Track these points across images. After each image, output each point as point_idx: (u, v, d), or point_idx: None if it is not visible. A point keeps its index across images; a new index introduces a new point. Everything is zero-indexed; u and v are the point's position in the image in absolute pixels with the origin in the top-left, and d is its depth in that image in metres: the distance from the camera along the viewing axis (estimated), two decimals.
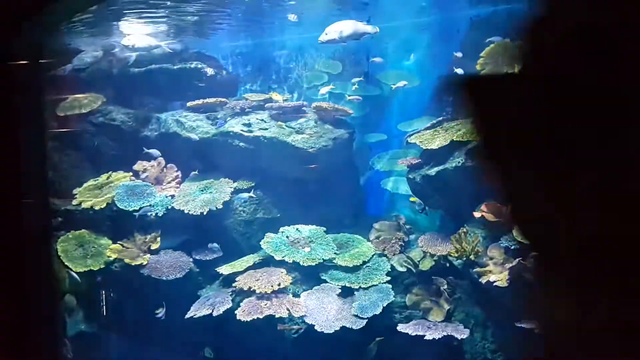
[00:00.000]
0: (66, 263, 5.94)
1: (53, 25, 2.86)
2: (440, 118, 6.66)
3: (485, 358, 5.31)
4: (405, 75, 8.21)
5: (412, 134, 6.59)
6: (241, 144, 6.73)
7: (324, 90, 7.61)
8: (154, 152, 6.88)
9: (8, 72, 2.35)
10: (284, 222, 6.59)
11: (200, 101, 7.29)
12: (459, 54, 6.85)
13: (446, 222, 6.55)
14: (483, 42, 6.42)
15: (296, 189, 6.83)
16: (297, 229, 6.46)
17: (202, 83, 7.82)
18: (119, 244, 6.31)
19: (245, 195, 6.47)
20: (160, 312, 5.80)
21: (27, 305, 2.50)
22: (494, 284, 5.05)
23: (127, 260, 6.12)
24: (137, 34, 7.81)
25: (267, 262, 6.17)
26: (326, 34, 5.84)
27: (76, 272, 5.90)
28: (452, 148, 5.86)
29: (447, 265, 5.83)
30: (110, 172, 6.87)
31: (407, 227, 6.63)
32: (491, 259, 5.32)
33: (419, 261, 5.97)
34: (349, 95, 7.22)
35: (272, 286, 5.69)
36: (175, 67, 7.74)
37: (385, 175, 8.02)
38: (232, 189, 6.70)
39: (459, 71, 6.54)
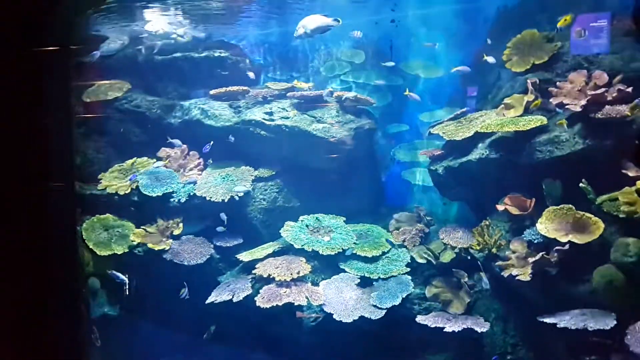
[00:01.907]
0: (91, 247, 6.06)
1: (80, 12, 2.88)
2: (465, 109, 6.58)
3: (505, 352, 5.27)
4: (430, 65, 8.13)
5: (435, 125, 6.52)
6: (262, 132, 6.75)
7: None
8: (176, 142, 6.95)
9: (37, 58, 2.38)
10: (304, 211, 6.61)
11: (223, 89, 7.33)
12: (489, 41, 6.74)
13: (468, 214, 6.49)
14: (510, 32, 6.30)
15: (317, 178, 6.83)
16: (316, 218, 6.47)
17: (225, 71, 7.85)
18: (143, 228, 6.41)
19: (242, 189, 6.46)
20: (184, 293, 5.89)
21: (53, 286, 2.56)
22: (516, 277, 4.99)
23: (150, 245, 6.22)
24: (161, 22, 7.86)
25: (287, 250, 6.20)
26: (296, 30, 5.89)
27: (100, 255, 6.01)
28: (476, 139, 5.78)
29: (468, 258, 5.78)
30: (134, 158, 6.97)
31: (428, 218, 6.59)
32: (514, 252, 5.25)
33: (439, 253, 5.93)
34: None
35: (291, 274, 5.72)
36: (199, 55, 7.78)
37: (406, 166, 7.96)
38: (253, 177, 6.73)
39: (490, 59, 6.39)
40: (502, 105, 5.90)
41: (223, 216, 6.32)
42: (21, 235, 2.40)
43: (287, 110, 6.95)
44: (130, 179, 6.55)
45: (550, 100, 5.40)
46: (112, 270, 5.89)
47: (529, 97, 5.64)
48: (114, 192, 6.51)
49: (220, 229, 6.38)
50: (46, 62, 2.43)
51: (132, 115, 7.28)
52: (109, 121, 7.18)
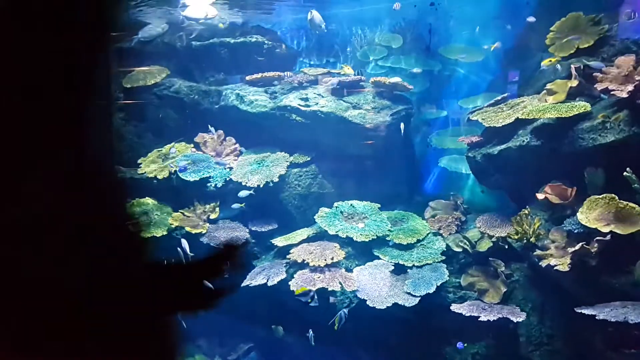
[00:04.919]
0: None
1: None
2: (505, 94, 6.41)
3: (541, 342, 5.17)
4: (469, 49, 7.93)
5: (474, 111, 6.38)
6: (298, 118, 6.76)
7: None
8: (212, 130, 7.03)
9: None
10: (339, 198, 6.60)
11: (259, 75, 7.36)
12: (532, 19, 6.49)
13: (506, 202, 6.35)
14: (553, 15, 6.08)
15: (352, 164, 6.81)
16: (351, 205, 6.46)
17: (262, 57, 7.88)
18: (180, 212, 6.55)
19: (237, 205, 6.42)
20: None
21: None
22: (555, 268, 4.87)
23: (187, 229, 6.35)
24: (200, 7, 7.93)
25: (321, 236, 6.23)
26: None
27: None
28: (516, 126, 5.63)
29: (506, 247, 5.67)
30: (173, 143, 7.10)
31: (465, 206, 6.48)
32: (553, 242, 5.12)
33: (476, 242, 5.84)
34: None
35: (325, 260, 5.75)
36: (235, 40, 7.82)
37: (443, 153, 7.84)
38: (289, 163, 6.77)
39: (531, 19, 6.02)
40: (545, 91, 5.71)
41: (243, 193, 6.36)
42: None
43: (322, 96, 6.93)
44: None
45: (595, 85, 5.20)
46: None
47: (573, 82, 5.45)
48: (152, 176, 6.67)
49: (236, 205, 6.42)
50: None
51: (171, 101, 7.40)
52: (148, 107, 7.32)
